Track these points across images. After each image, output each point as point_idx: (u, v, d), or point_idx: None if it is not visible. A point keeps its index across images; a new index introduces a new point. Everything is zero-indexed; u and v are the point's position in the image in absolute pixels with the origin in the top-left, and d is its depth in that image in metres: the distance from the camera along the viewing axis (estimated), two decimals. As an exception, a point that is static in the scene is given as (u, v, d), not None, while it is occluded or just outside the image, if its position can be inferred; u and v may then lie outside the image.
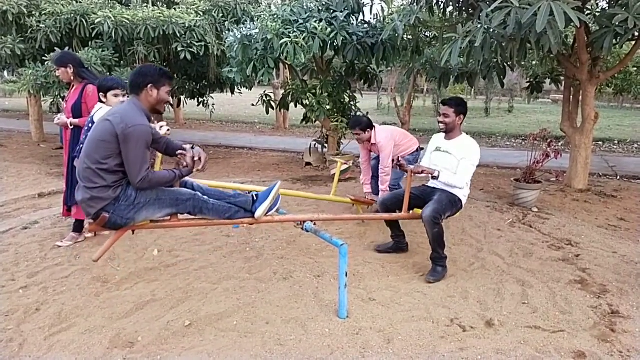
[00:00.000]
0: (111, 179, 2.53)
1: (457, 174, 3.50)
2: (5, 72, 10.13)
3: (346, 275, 2.81)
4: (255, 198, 2.96)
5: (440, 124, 3.66)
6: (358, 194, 4.97)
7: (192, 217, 2.88)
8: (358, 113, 7.54)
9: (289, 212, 3.65)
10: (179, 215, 2.81)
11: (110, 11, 6.70)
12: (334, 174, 5.01)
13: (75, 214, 3.99)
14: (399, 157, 3.75)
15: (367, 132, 4.58)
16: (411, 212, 3.64)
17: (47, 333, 2.66)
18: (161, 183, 2.63)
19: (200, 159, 2.75)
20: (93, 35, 7.08)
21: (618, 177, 7.44)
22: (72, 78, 3.94)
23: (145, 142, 2.51)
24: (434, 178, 3.47)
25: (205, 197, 2.82)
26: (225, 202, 2.87)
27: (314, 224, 3.08)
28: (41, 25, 7.06)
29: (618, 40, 4.41)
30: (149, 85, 2.61)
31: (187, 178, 2.95)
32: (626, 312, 2.98)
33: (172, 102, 9.89)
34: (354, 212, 4.87)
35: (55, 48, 6.89)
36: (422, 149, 4.95)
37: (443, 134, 3.75)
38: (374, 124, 4.66)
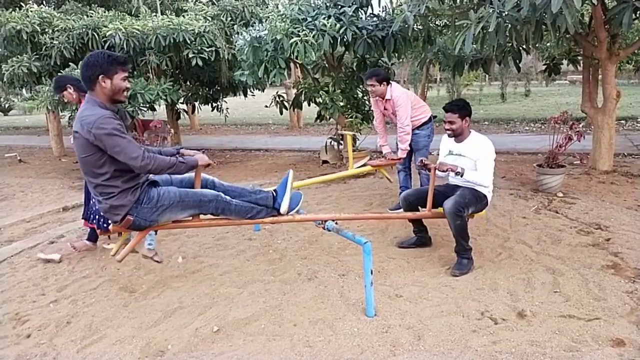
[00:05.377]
0: (123, 182, 2.51)
1: (479, 172, 3.40)
2: (24, 90, 10.35)
3: (371, 272, 2.77)
4: (275, 194, 2.97)
5: (448, 131, 3.56)
6: (378, 159, 4.87)
7: (214, 217, 2.89)
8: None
9: (309, 212, 3.65)
10: (200, 215, 2.82)
11: (121, 23, 6.78)
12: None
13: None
14: (422, 160, 3.64)
15: (382, 85, 4.48)
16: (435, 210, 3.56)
17: (79, 345, 2.69)
18: (165, 162, 2.51)
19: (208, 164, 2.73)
20: (105, 48, 7.17)
21: (644, 156, 7.22)
22: (75, 96, 3.97)
23: (115, 129, 2.37)
24: (457, 174, 3.35)
25: (228, 197, 2.82)
26: (247, 201, 2.87)
27: (335, 223, 3.06)
28: (54, 42, 7.18)
29: (637, 14, 4.27)
30: (100, 77, 2.45)
31: (207, 176, 2.96)
32: (664, 296, 2.88)
33: (187, 110, 9.97)
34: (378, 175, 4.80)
35: (70, 63, 7.01)
36: (435, 117, 4.86)
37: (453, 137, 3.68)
38: (391, 81, 4.55)
